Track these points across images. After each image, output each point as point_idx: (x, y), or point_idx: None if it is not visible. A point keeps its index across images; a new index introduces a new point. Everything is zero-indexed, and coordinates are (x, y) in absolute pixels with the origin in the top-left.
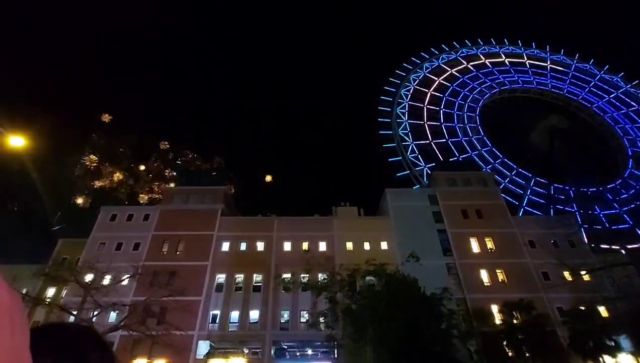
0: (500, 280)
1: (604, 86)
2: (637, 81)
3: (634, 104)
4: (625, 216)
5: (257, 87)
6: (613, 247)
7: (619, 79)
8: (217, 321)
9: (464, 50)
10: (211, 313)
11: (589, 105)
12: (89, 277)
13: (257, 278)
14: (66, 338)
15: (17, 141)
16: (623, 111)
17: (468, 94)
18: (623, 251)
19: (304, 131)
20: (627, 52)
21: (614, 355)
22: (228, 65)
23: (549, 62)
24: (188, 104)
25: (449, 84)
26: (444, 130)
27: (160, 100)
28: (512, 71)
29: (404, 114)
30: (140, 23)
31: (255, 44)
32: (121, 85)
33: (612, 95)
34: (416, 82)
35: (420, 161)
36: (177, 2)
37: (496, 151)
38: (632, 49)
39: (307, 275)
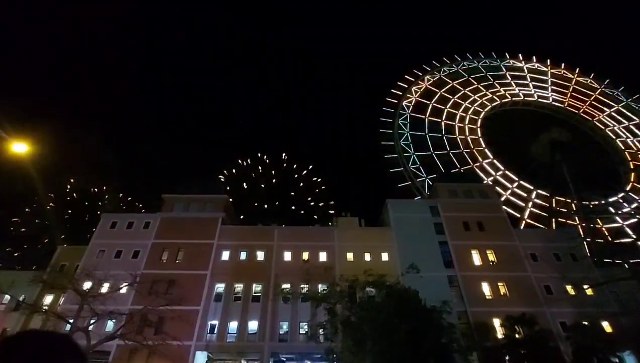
0: (502, 294)
1: (605, 100)
2: (638, 95)
3: (635, 117)
4: (627, 229)
5: (259, 93)
6: (616, 261)
7: (619, 93)
8: (215, 331)
9: (465, 63)
10: (209, 323)
11: (590, 118)
12: (87, 285)
13: (256, 288)
14: (44, 345)
15: (20, 148)
16: (624, 125)
17: (469, 106)
18: (626, 266)
19: (305, 142)
20: (627, 66)
21: None
22: (233, 71)
23: (549, 76)
24: (194, 111)
25: (450, 96)
26: (446, 141)
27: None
28: (513, 84)
29: (405, 125)
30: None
31: (261, 51)
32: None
33: (613, 108)
34: (418, 94)
35: (421, 172)
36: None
37: (497, 163)
38: (632, 63)
39: (307, 286)
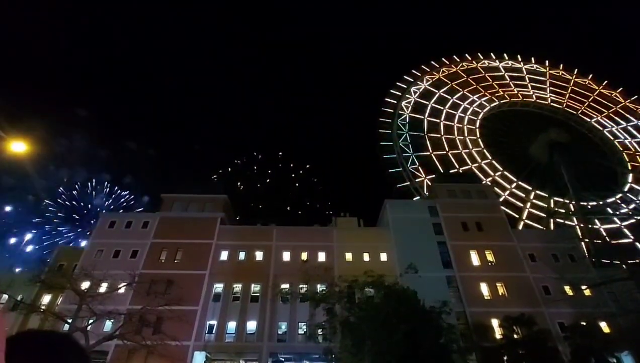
0: (500, 294)
1: (603, 101)
2: (636, 97)
3: (633, 119)
4: (625, 230)
5: (259, 93)
6: (614, 262)
7: (617, 95)
8: (214, 331)
9: (464, 64)
10: (208, 323)
11: (588, 119)
12: (85, 285)
13: (255, 288)
14: (45, 345)
15: (18, 147)
16: (622, 126)
17: (468, 106)
18: (624, 266)
19: (304, 142)
20: (626, 67)
21: None
22: (233, 71)
23: (548, 77)
24: (194, 111)
25: (449, 97)
26: (444, 142)
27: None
28: (512, 85)
29: (404, 125)
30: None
31: (261, 51)
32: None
33: (611, 110)
34: (417, 94)
35: (420, 173)
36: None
37: (496, 164)
38: (631, 63)
39: (306, 286)
